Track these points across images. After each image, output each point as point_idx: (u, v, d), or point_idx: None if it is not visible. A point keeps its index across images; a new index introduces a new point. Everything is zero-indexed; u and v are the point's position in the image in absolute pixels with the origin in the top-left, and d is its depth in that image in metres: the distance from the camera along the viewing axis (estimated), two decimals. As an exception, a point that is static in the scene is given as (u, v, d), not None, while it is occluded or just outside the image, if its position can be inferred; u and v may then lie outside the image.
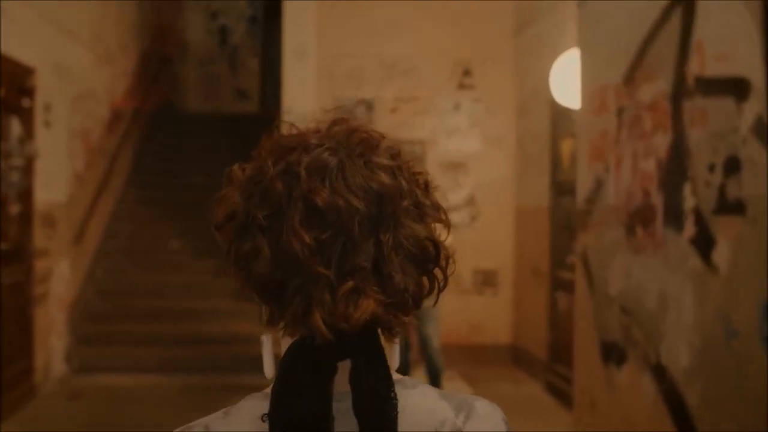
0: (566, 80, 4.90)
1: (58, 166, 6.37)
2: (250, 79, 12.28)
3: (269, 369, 0.86)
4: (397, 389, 0.81)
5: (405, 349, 5.31)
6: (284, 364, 0.80)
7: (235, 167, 0.88)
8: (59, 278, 6.34)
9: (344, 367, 0.80)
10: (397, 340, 0.86)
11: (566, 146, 5.80)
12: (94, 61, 7.42)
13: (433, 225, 0.87)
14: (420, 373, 5.39)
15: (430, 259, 0.84)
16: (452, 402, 0.88)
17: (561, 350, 5.90)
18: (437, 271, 0.86)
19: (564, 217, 5.89)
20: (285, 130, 0.89)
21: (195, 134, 9.83)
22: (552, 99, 6.13)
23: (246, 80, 12.35)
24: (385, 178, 0.82)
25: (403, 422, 0.80)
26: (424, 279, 0.85)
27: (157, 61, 10.26)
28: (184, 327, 6.83)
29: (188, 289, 7.24)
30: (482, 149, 7.33)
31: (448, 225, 0.88)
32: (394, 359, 0.88)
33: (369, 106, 7.21)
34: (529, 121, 6.96)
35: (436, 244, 0.84)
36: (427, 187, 0.88)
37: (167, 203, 8.18)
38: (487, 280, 7.36)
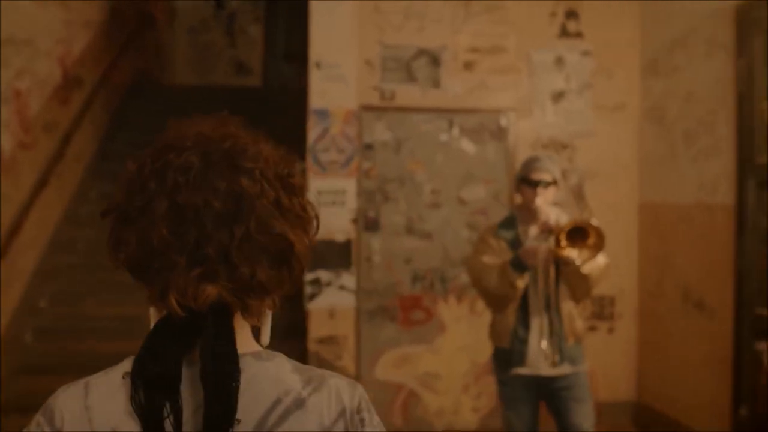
0: None
1: (-33, 144, 4.14)
2: (251, 49, 10.25)
3: None
4: (251, 360, 0.96)
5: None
6: (150, 334, 0.94)
7: (129, 161, 0.98)
8: (-33, 317, 4.11)
9: None
10: (260, 320, 1.00)
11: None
12: (37, -1, 5.18)
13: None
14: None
15: (282, 252, 0.95)
16: (304, 375, 0.98)
17: (765, 434, 3.69)
18: (295, 263, 0.97)
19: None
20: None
21: (183, 113, 7.59)
22: (738, 44, 3.92)
23: (246, 51, 10.32)
24: (244, 180, 0.94)
25: (249, 390, 0.93)
26: (284, 270, 0.97)
27: (136, 21, 8.04)
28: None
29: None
30: (594, 122, 5.12)
31: (309, 222, 1.00)
32: (265, 332, 1.02)
33: (433, 59, 4.98)
34: (669, 81, 4.75)
35: (289, 239, 0.95)
36: (293, 189, 0.98)
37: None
38: (600, 310, 5.14)
